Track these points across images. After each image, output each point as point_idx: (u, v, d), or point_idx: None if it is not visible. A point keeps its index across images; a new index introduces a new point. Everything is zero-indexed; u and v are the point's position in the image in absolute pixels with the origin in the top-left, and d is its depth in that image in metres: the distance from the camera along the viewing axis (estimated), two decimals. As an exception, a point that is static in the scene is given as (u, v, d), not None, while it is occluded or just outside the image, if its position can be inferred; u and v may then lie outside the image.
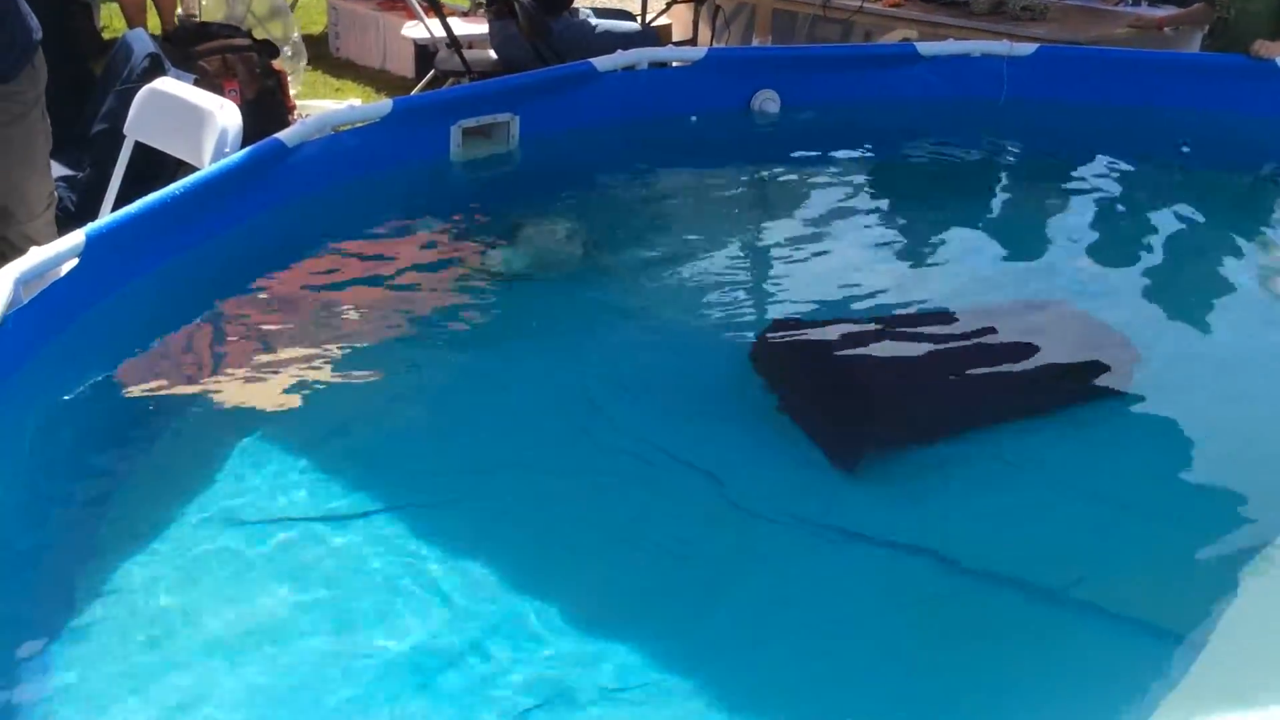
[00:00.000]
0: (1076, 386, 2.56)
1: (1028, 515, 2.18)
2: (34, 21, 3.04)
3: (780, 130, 4.03)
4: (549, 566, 1.96)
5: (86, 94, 4.33)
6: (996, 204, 3.84)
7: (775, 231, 3.48)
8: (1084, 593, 1.96)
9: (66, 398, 2.26)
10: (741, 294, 3.04)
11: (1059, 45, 4.59)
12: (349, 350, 2.57)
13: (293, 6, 7.27)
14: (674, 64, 4.12)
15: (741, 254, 3.31)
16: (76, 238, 2.33)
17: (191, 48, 4.72)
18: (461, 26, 6.08)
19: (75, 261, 2.33)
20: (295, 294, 2.81)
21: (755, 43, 5.48)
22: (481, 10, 6.15)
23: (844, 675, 1.80)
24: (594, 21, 5.13)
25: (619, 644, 1.78)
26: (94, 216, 2.63)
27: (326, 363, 2.50)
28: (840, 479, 2.22)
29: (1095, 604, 1.94)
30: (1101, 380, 2.56)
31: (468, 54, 5.24)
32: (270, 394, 2.39)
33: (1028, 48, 4.24)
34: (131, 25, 5.46)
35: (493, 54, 5.21)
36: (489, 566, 1.92)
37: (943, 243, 3.39)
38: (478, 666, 1.73)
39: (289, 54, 5.93)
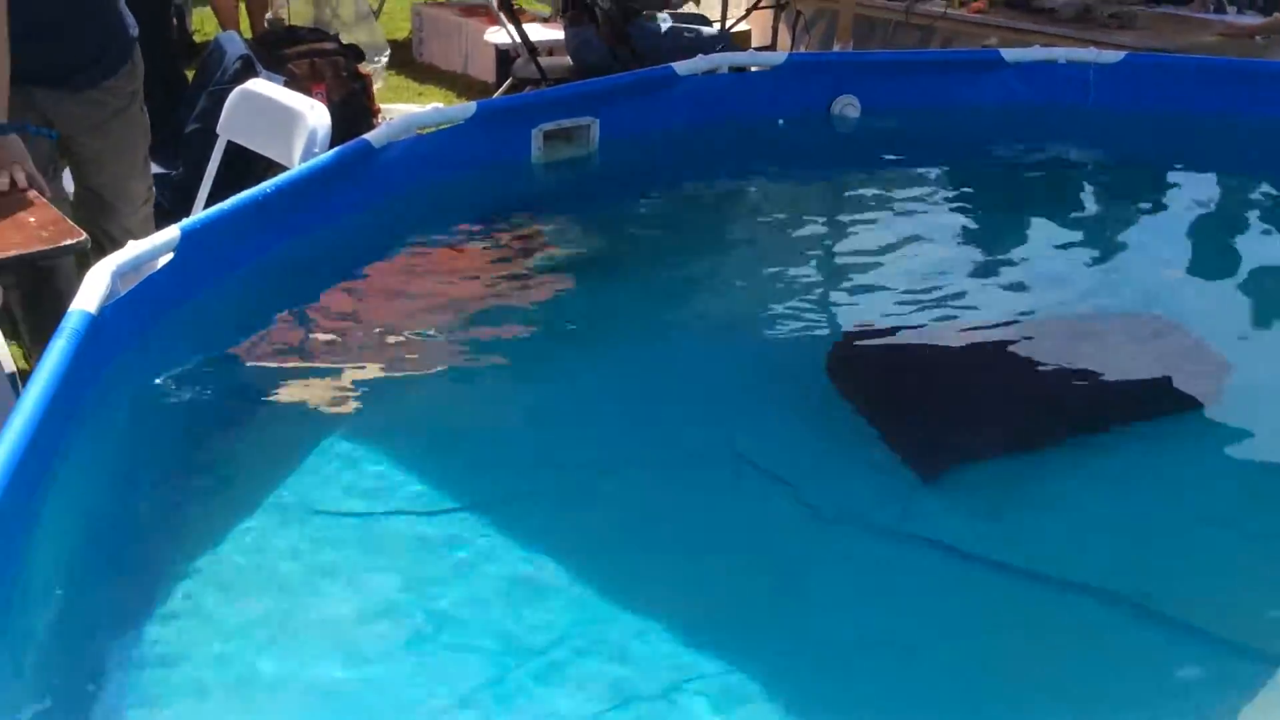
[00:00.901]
0: (1164, 400, 2.50)
1: (1111, 529, 2.13)
2: (132, 19, 3.14)
3: (860, 136, 4.01)
4: (622, 567, 1.96)
5: (179, 95, 4.46)
6: (1082, 213, 3.78)
7: (853, 238, 3.46)
8: (1169, 608, 1.92)
9: (159, 387, 2.31)
10: (818, 300, 3.03)
11: (1147, 53, 4.51)
12: (428, 347, 2.60)
13: (378, 12, 7.40)
14: (754, 69, 4.12)
15: (818, 260, 3.29)
16: (171, 233, 2.38)
17: (280, 51, 4.83)
18: (542, 32, 6.15)
19: (170, 256, 2.39)
20: (378, 291, 2.86)
21: (836, 48, 5.46)
22: (560, 16, 6.20)
23: (920, 685, 1.77)
24: (673, 26, 5.15)
25: (692, 647, 1.77)
26: (187, 214, 2.70)
27: (406, 359, 2.54)
28: (920, 488, 2.19)
29: (1180, 620, 1.90)
30: (1190, 394, 2.50)
31: (547, 60, 5.30)
32: (351, 389, 2.42)
33: (1115, 55, 4.18)
34: (224, 28, 5.59)
35: (569, 60, 5.26)
36: (563, 565, 1.93)
37: (1026, 252, 3.34)
38: (550, 665, 1.73)
39: (374, 58, 6.03)
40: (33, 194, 2.59)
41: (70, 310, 2.06)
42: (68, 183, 3.27)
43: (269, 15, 6.11)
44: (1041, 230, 3.45)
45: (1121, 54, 4.20)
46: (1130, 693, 1.78)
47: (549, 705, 1.68)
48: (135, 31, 3.16)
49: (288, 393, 2.41)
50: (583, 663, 1.75)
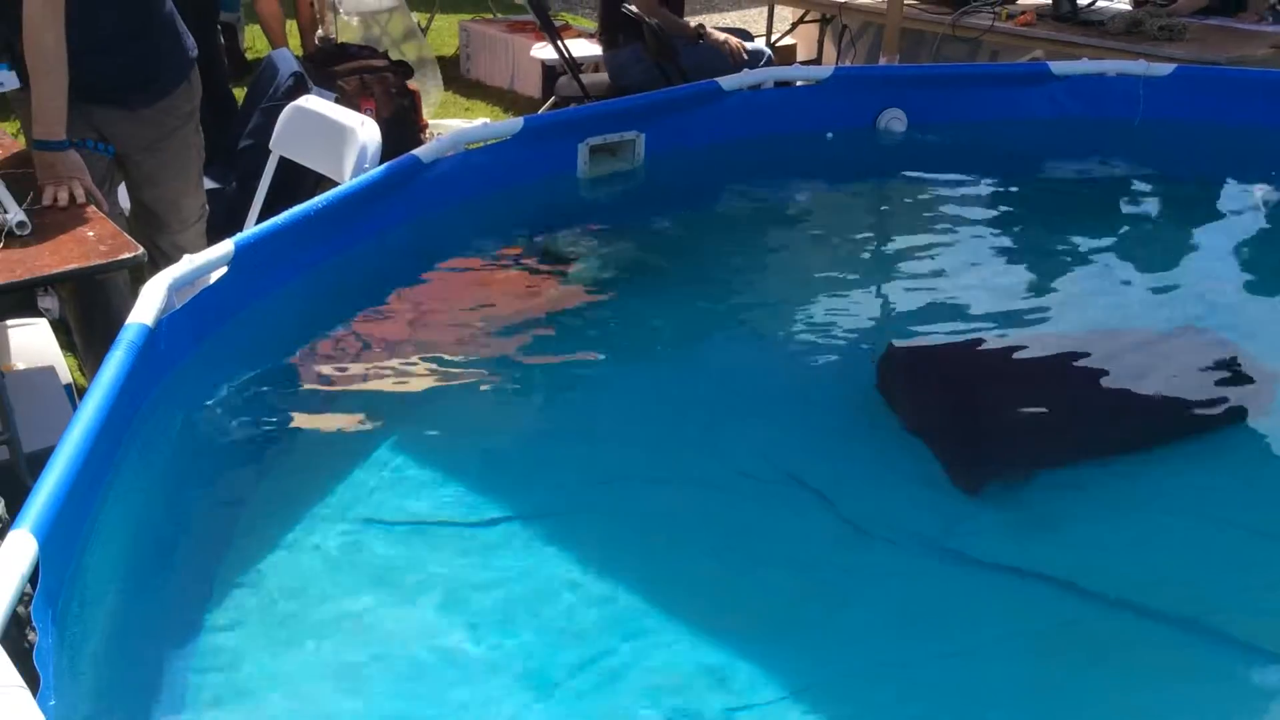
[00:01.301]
0: (1213, 413, 2.48)
1: (1159, 543, 2.12)
2: (190, 40, 3.19)
3: (906, 150, 4.00)
4: (667, 578, 1.97)
5: (232, 111, 4.53)
6: (1130, 227, 3.75)
7: (899, 251, 3.46)
8: (1217, 622, 1.90)
9: (213, 399, 2.36)
10: (865, 313, 3.03)
11: (1198, 65, 4.47)
12: (475, 360, 2.63)
13: (425, 29, 7.48)
14: (799, 83, 4.12)
15: (865, 273, 3.29)
16: (226, 247, 2.42)
17: (331, 68, 4.89)
18: (589, 48, 6.19)
19: (224, 270, 2.43)
20: (427, 304, 2.89)
21: (882, 62, 5.45)
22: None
23: (963, 700, 1.77)
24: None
25: (735, 660, 1.78)
26: (239, 229, 2.74)
27: (454, 372, 2.56)
28: (964, 501, 2.18)
29: (1228, 634, 1.88)
30: (1240, 407, 2.48)
31: (590, 77, 5.34)
32: (399, 401, 2.45)
33: (1165, 68, 4.14)
34: (274, 46, 5.68)
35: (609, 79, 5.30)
36: (606, 577, 1.94)
37: (1074, 265, 3.32)
38: (595, 675, 1.75)
39: (422, 75, 6.10)
40: (91, 209, 2.65)
41: (128, 323, 2.10)
42: (123, 198, 3.33)
43: (319, 33, 6.19)
44: (1089, 244, 3.42)
45: (1172, 66, 4.16)
46: (1177, 708, 1.76)
47: (589, 713, 1.69)
48: (194, 53, 3.20)
49: (337, 404, 2.44)
50: (627, 674, 1.76)
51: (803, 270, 3.24)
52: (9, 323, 3.34)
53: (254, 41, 7.51)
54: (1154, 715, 1.76)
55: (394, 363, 2.61)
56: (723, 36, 5.13)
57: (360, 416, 2.40)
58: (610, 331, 2.85)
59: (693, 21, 5.35)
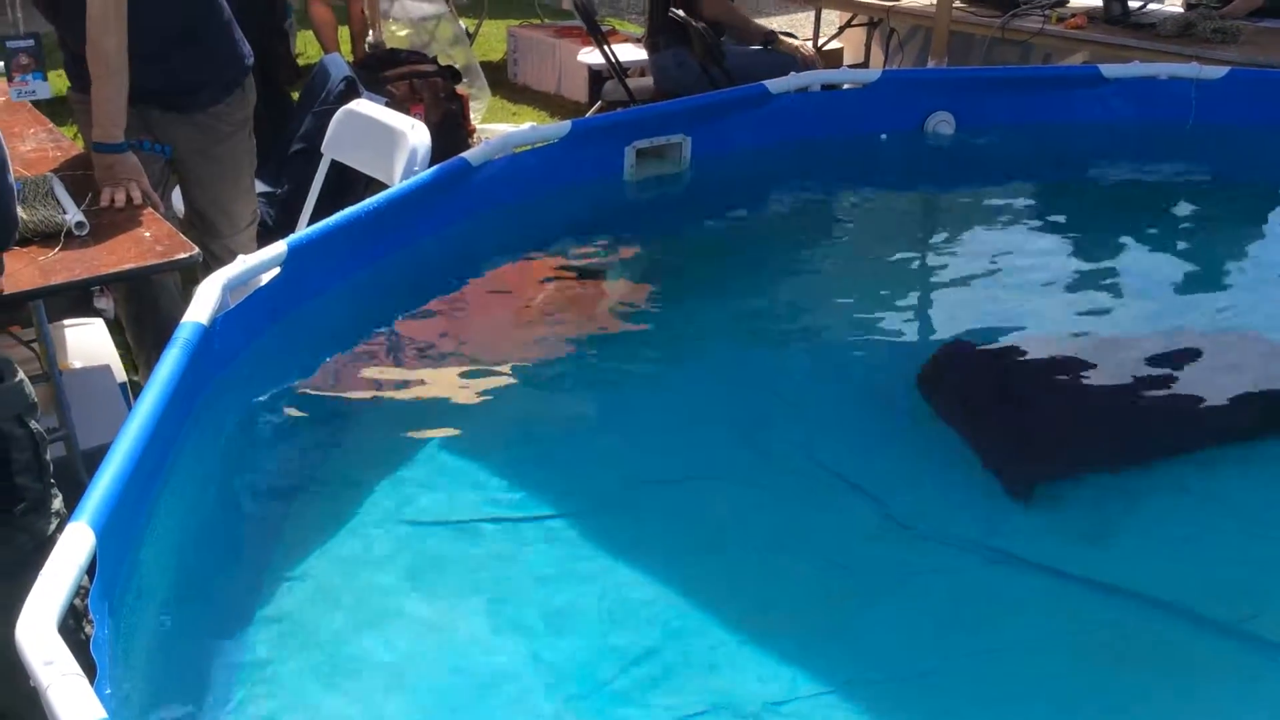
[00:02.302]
0: (1262, 420, 2.45)
1: (1207, 548, 2.09)
2: (246, 48, 3.22)
3: (954, 153, 3.98)
4: (710, 576, 1.98)
5: (285, 116, 4.59)
6: (1181, 232, 3.70)
7: (946, 254, 3.44)
8: (1266, 630, 1.88)
9: (265, 396, 2.39)
10: (910, 315, 3.02)
11: (1252, 69, 4.41)
12: (520, 361, 2.65)
13: (474, 35, 7.53)
14: (847, 86, 4.12)
15: (910, 275, 3.28)
16: (279, 248, 2.46)
17: (381, 73, 4.95)
18: (634, 52, 6.21)
19: (277, 270, 2.46)
20: (474, 305, 2.92)
21: (930, 65, 5.42)
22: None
23: (1004, 700, 1.76)
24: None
25: (779, 658, 1.79)
26: (291, 231, 2.78)
27: (499, 372, 2.59)
28: (1009, 502, 2.18)
29: (1276, 642, 1.87)
30: (1291, 413, 2.45)
31: (636, 81, 5.35)
32: (447, 400, 2.48)
33: (1218, 71, 4.09)
34: (326, 51, 5.74)
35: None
36: (652, 574, 1.95)
37: (1121, 269, 3.29)
38: (638, 672, 1.76)
39: (469, 82, 6.14)
40: (148, 210, 2.70)
41: (183, 321, 2.13)
42: (177, 200, 3.39)
43: (370, 38, 6.26)
44: (1138, 249, 3.39)
45: (1225, 69, 4.10)
46: (1220, 715, 1.74)
47: (640, 713, 1.70)
48: (250, 61, 3.23)
49: (386, 403, 2.47)
50: (673, 672, 1.77)
51: (848, 272, 3.24)
52: (66, 322, 3.41)
53: (305, 47, 7.60)
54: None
55: (440, 363, 2.63)
56: (795, 44, 5.13)
57: (407, 415, 2.43)
58: (655, 332, 2.86)
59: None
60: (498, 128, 5.84)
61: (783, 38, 5.19)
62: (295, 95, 4.92)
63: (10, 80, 3.00)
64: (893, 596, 1.96)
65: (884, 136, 3.97)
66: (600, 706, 1.71)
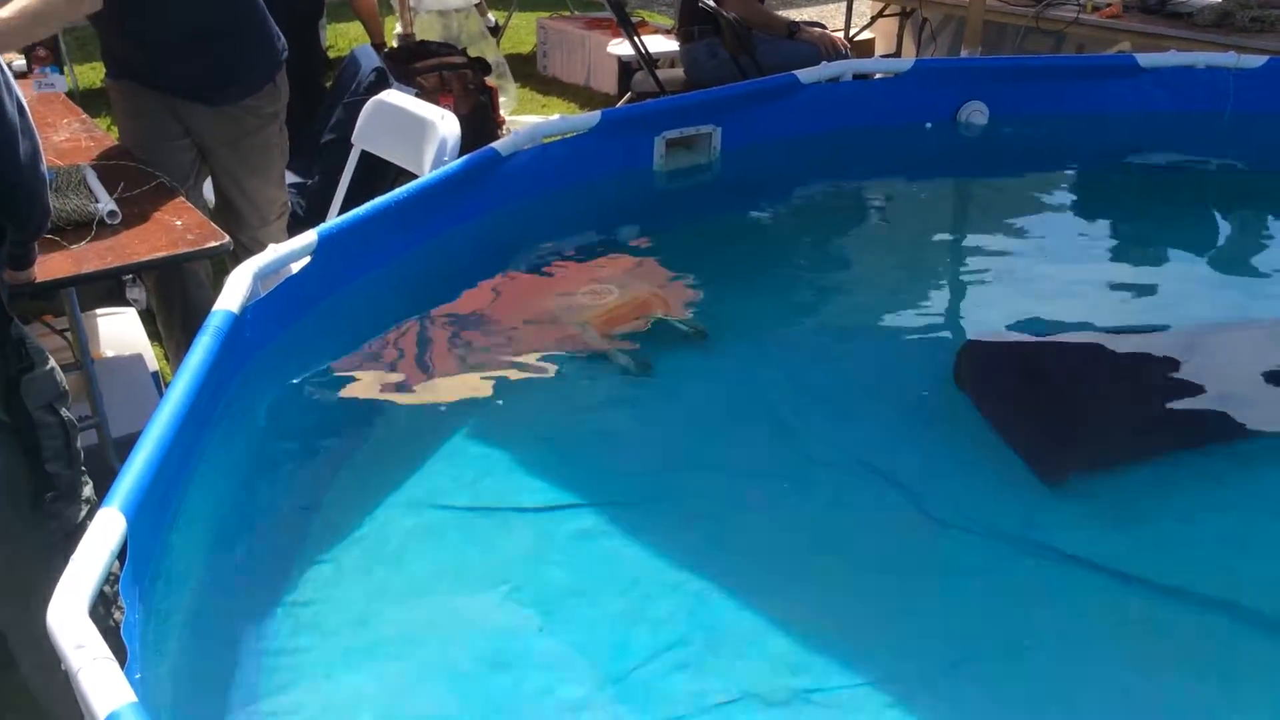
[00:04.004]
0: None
1: (1244, 542, 2.06)
2: (281, 42, 3.22)
3: (987, 142, 3.94)
4: (740, 568, 1.96)
5: (316, 108, 4.61)
6: (1219, 222, 3.66)
7: (978, 245, 3.41)
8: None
9: (294, 384, 2.40)
10: (944, 307, 2.99)
11: (1292, 57, 4.35)
12: (549, 351, 2.63)
13: (503, 27, 7.53)
14: (879, 75, 4.08)
15: (943, 266, 3.25)
16: (309, 237, 2.46)
17: (411, 65, 4.95)
18: (664, 43, 6.20)
19: (307, 259, 2.47)
20: (504, 294, 2.91)
21: (964, 54, 5.38)
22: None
23: (1041, 693, 1.74)
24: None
25: (810, 649, 1.77)
26: (322, 220, 2.78)
27: (528, 362, 2.58)
28: (1045, 495, 2.15)
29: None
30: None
31: (666, 73, 5.34)
32: (475, 390, 2.47)
33: (1256, 60, 4.03)
34: (374, 39, 5.75)
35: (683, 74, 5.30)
36: (680, 564, 1.94)
37: (1159, 260, 3.25)
38: (665, 664, 1.75)
39: (498, 75, 6.15)
40: (179, 199, 2.70)
41: (215, 309, 2.14)
42: (208, 190, 3.40)
43: (397, 29, 6.27)
44: (1175, 239, 3.35)
45: (1264, 58, 4.04)
46: (1261, 709, 1.72)
47: (668, 702, 1.69)
48: (284, 55, 3.23)
49: (415, 392, 2.47)
50: (701, 660, 1.76)
51: (880, 263, 3.21)
52: (98, 311, 3.44)
53: (336, 40, 7.63)
54: (1234, 715, 1.71)
55: (468, 352, 2.63)
56: (819, 33, 5.10)
57: (436, 405, 2.43)
58: (684, 324, 2.84)
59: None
60: (527, 119, 5.84)
61: (805, 27, 5.16)
62: (326, 86, 4.94)
63: (29, 73, 3.02)
64: (927, 588, 1.95)
65: (929, 125, 3.93)
66: (627, 693, 1.70)
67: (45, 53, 2.95)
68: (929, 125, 3.94)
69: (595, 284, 2.89)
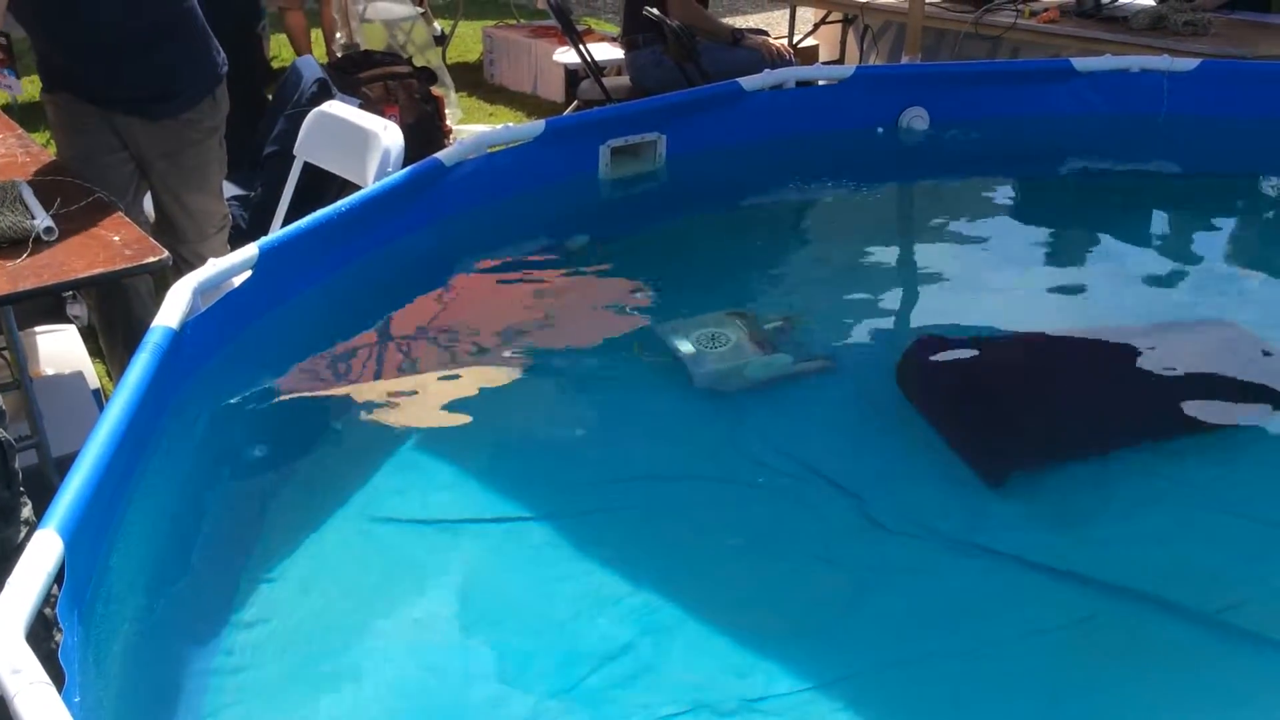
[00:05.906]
0: (1238, 408, 2.46)
1: (1183, 537, 2.10)
2: (222, 56, 3.19)
3: (928, 148, 3.99)
4: (688, 574, 1.97)
5: (258, 119, 4.57)
6: (1155, 223, 3.72)
7: (921, 249, 3.45)
8: (1240, 619, 1.89)
9: (237, 400, 2.37)
10: (886, 310, 3.02)
11: (1224, 60, 4.43)
12: (498, 361, 2.63)
13: (448, 37, 7.50)
14: (821, 82, 4.12)
15: (886, 271, 3.28)
16: (250, 250, 2.44)
17: (355, 74, 4.93)
18: (611, 51, 6.21)
19: (249, 273, 2.45)
20: (450, 306, 2.90)
21: (904, 60, 5.44)
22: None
23: (985, 694, 1.76)
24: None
25: (758, 656, 1.78)
26: (264, 233, 2.76)
27: (475, 374, 2.57)
28: (987, 495, 2.17)
29: (1253, 631, 1.87)
30: (1266, 402, 2.46)
31: (612, 80, 5.35)
32: (423, 403, 2.47)
33: (1190, 63, 4.10)
34: (299, 53, 5.72)
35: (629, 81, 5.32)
36: (629, 573, 1.95)
37: (1098, 261, 3.30)
38: (615, 670, 1.75)
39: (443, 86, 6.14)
40: (117, 214, 2.67)
41: (153, 325, 2.12)
42: (148, 205, 3.36)
43: (340, 39, 6.24)
44: (1113, 240, 3.40)
45: (1197, 61, 4.12)
46: (1199, 703, 1.75)
47: (618, 712, 1.69)
48: (224, 69, 3.20)
49: (361, 405, 2.45)
50: (651, 670, 1.77)
51: (824, 269, 3.24)
52: (38, 329, 3.39)
53: (280, 50, 7.57)
54: (1176, 710, 1.74)
55: (414, 364, 2.62)
56: (762, 40, 5.14)
57: (382, 417, 2.42)
58: (630, 331, 2.85)
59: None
60: (473, 128, 5.82)
61: (749, 34, 5.20)
62: (269, 97, 4.89)
63: None
64: (871, 592, 1.96)
65: (843, 135, 3.97)
66: (577, 705, 1.70)
67: (2, 55, 2.89)
68: (880, 130, 3.97)
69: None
